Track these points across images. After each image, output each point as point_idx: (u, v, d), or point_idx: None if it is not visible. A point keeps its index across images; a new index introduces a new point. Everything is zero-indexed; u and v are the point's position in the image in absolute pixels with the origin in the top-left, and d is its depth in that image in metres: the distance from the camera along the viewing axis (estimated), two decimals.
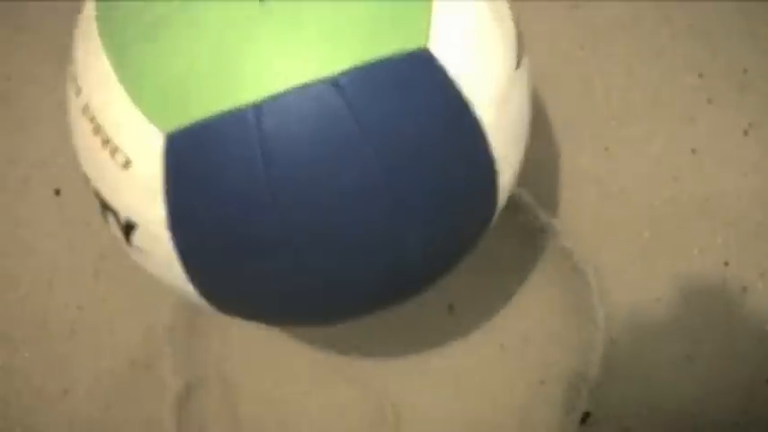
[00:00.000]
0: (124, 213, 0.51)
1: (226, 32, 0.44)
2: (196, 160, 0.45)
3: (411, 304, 0.85)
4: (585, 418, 0.83)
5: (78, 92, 0.53)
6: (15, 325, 0.83)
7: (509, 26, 0.56)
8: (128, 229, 0.51)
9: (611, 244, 0.87)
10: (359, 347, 0.84)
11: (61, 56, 0.90)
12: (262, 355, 0.84)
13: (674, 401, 0.84)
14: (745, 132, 0.90)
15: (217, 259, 0.50)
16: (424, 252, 0.53)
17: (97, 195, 0.54)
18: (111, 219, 0.54)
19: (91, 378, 0.83)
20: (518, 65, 0.55)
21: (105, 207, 0.53)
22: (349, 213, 0.47)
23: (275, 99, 0.42)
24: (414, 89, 0.46)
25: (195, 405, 0.82)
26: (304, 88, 0.43)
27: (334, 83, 0.43)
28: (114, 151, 0.48)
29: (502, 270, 0.87)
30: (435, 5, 0.48)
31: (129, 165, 0.47)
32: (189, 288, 0.53)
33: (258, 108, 0.42)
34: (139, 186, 0.48)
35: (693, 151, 0.90)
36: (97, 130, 0.50)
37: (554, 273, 0.86)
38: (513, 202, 0.88)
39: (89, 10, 0.55)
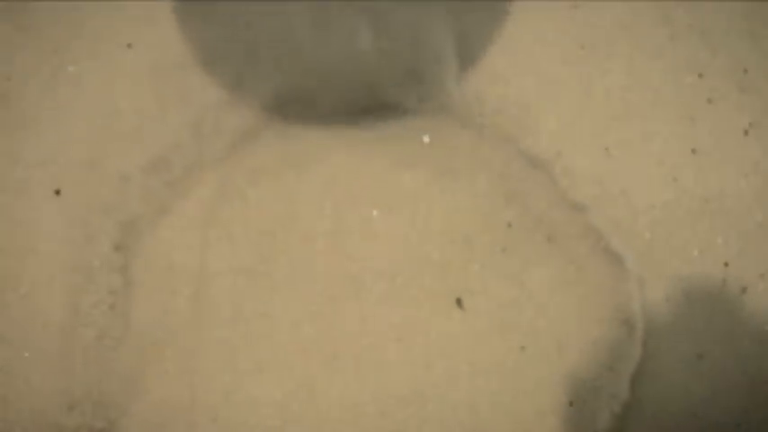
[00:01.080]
0: None
1: None
2: None
3: (413, 297, 0.85)
4: None
5: None
6: (15, 325, 0.83)
7: None
8: None
9: (612, 245, 0.87)
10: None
11: (61, 56, 0.91)
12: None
13: (682, 402, 0.84)
14: (746, 132, 0.90)
15: None
16: None
17: None
18: None
19: (91, 377, 0.83)
20: None
21: None
22: None
23: None
24: None
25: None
26: None
27: None
28: None
29: (516, 257, 0.87)
30: None
31: None
32: None
33: None
34: None
35: (693, 151, 0.89)
36: None
37: (580, 263, 0.87)
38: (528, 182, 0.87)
39: None
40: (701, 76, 0.91)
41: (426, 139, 0.87)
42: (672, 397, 0.84)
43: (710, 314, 0.86)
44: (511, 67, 0.90)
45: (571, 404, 0.82)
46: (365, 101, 0.88)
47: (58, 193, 0.85)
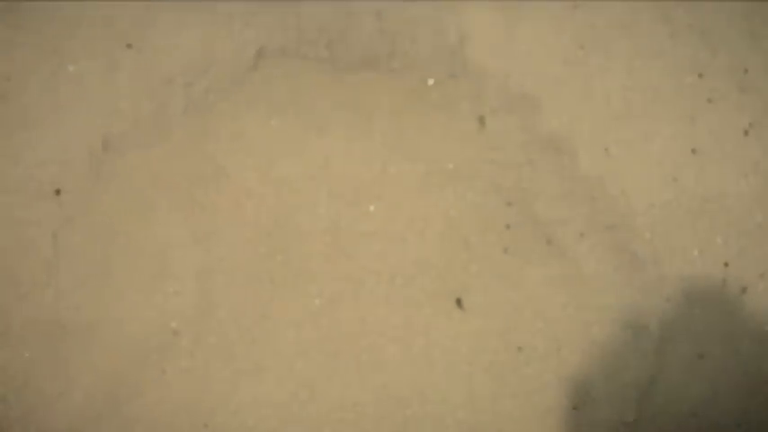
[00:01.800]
0: None
1: None
2: None
3: (413, 297, 0.85)
4: None
5: None
6: (15, 325, 0.83)
7: None
8: None
9: (612, 246, 0.87)
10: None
11: (61, 55, 0.91)
12: None
13: (682, 402, 0.84)
14: (746, 132, 0.90)
15: None
16: None
17: None
18: None
19: (90, 378, 0.83)
20: None
21: None
22: None
23: None
24: None
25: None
26: None
27: None
28: None
29: (516, 258, 0.87)
30: None
31: None
32: None
33: None
34: None
35: (693, 151, 0.90)
36: None
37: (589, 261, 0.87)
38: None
39: None
40: (700, 76, 0.91)
41: (431, 81, 0.87)
42: (673, 397, 0.84)
43: (711, 314, 0.86)
44: (510, 66, 0.90)
45: (575, 408, 0.82)
46: (363, 73, 0.89)
47: (57, 193, 0.86)
